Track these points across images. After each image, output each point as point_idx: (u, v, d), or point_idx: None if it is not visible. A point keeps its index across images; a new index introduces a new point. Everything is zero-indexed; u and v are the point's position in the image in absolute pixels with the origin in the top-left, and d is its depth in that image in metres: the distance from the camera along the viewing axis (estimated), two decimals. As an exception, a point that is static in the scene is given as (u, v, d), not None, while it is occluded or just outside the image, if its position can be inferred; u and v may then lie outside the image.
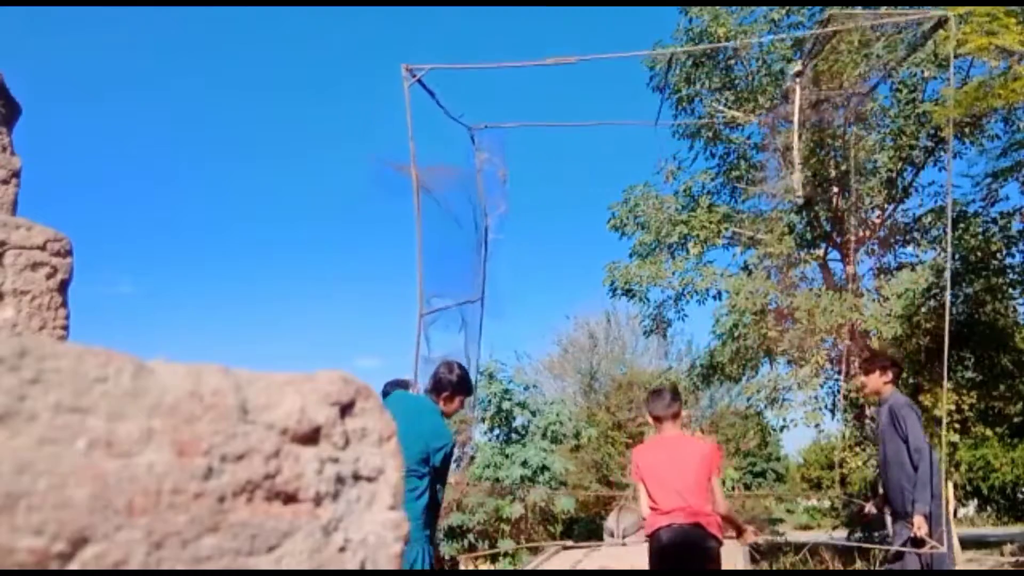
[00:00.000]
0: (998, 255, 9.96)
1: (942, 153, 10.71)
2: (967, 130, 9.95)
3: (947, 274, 5.35)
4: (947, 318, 4.49)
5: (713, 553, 3.78)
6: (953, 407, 9.75)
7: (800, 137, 7.51)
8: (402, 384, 4.50)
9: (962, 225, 10.01)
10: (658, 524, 3.78)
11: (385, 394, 4.43)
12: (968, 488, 20.43)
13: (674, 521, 3.70)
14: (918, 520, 4.21)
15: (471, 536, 12.71)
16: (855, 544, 9.64)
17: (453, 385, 3.58)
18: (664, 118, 11.75)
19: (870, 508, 4.92)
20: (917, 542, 4.24)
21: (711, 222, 10.89)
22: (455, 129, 5.90)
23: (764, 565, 9.61)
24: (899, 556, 4.58)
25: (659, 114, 7.34)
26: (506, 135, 6.48)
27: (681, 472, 3.77)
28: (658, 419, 3.95)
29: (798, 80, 7.13)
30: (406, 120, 5.09)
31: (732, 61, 11.20)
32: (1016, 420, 11.16)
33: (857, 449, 10.29)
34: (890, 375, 4.54)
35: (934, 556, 4.26)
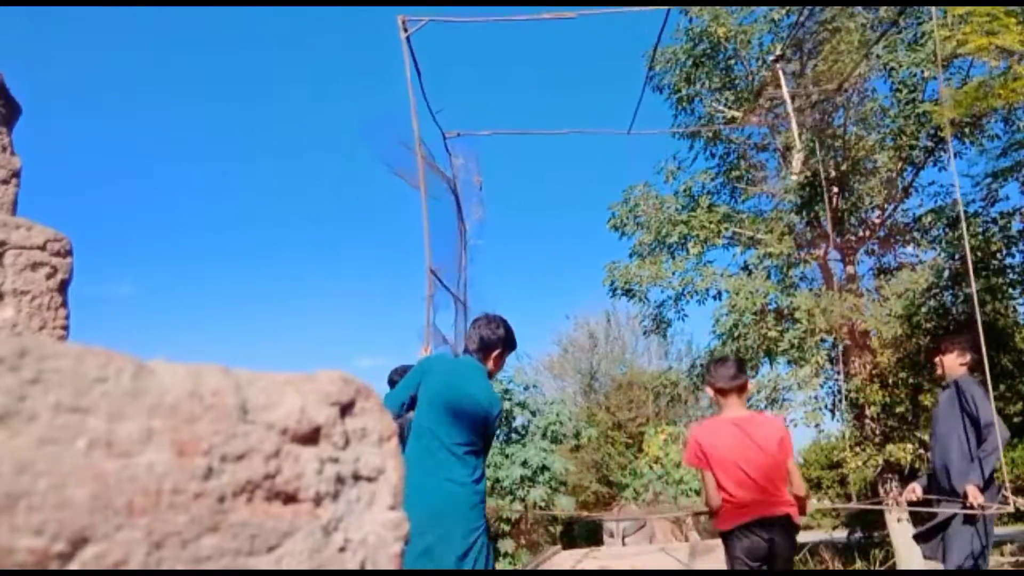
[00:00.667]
0: (998, 255, 9.97)
1: (942, 153, 10.72)
2: (967, 130, 9.95)
3: (969, 273, 5.27)
4: (978, 319, 4.35)
5: (794, 545, 3.38)
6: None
7: (800, 130, 7.45)
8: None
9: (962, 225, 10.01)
10: (740, 519, 3.28)
11: (392, 382, 4.24)
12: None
13: (761, 514, 3.24)
14: (972, 490, 3.95)
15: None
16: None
17: (503, 341, 3.16)
18: (664, 118, 11.80)
19: (913, 488, 4.55)
20: (969, 518, 4.00)
21: (711, 222, 10.90)
22: (452, 98, 5.82)
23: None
24: (926, 538, 4.33)
25: (632, 122, 7.25)
26: (487, 140, 6.47)
27: (758, 457, 3.28)
28: (722, 392, 3.45)
29: (778, 65, 7.10)
30: (405, 78, 4.97)
31: (732, 61, 11.21)
32: (1016, 420, 11.16)
33: (857, 449, 10.29)
34: (968, 358, 4.33)
35: (988, 524, 4.01)
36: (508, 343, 3.19)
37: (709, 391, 3.59)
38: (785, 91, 7.11)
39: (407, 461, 3.08)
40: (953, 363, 4.37)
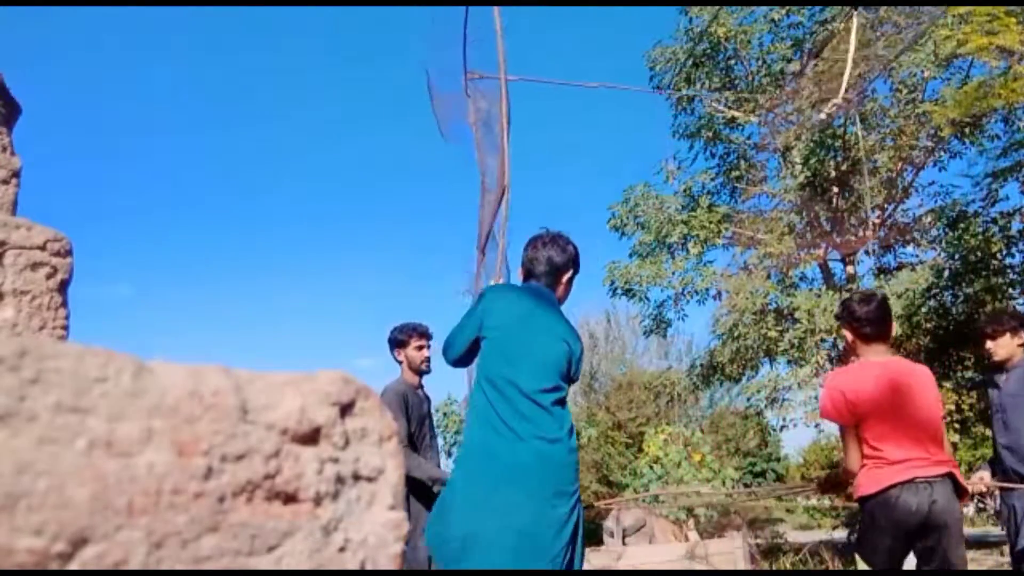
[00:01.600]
0: (998, 255, 9.97)
1: (942, 153, 10.73)
2: (967, 130, 9.96)
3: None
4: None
5: (961, 515, 2.81)
6: (953, 407, 9.76)
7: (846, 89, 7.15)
8: (420, 329, 3.94)
9: (962, 225, 10.02)
10: (891, 479, 2.70)
11: (392, 340, 3.95)
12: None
13: (916, 474, 2.69)
14: None
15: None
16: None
17: (574, 261, 2.63)
18: (663, 113, 11.81)
19: (982, 476, 4.16)
20: None
21: (711, 222, 10.91)
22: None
23: (764, 565, 9.61)
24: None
25: (671, 84, 7.03)
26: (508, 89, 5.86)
27: (914, 407, 2.78)
28: (866, 338, 2.92)
29: (853, 16, 6.96)
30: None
31: (732, 61, 11.22)
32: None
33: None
34: (1023, 337, 3.93)
35: None
36: (578, 265, 2.67)
37: (848, 335, 3.03)
38: (853, 39, 6.83)
39: (477, 418, 2.40)
40: (1010, 346, 3.97)
